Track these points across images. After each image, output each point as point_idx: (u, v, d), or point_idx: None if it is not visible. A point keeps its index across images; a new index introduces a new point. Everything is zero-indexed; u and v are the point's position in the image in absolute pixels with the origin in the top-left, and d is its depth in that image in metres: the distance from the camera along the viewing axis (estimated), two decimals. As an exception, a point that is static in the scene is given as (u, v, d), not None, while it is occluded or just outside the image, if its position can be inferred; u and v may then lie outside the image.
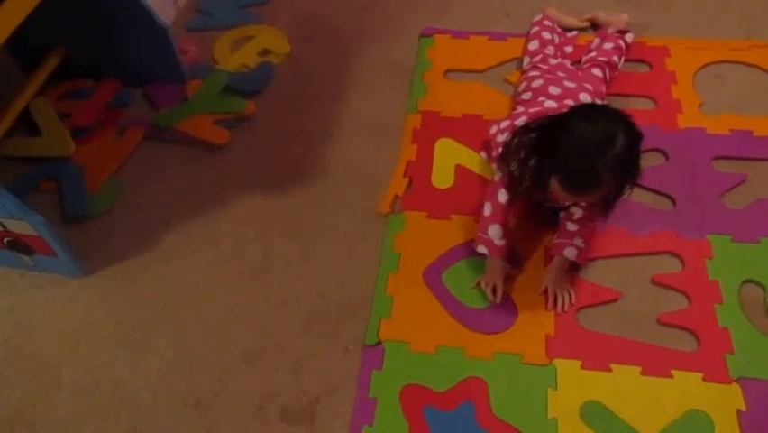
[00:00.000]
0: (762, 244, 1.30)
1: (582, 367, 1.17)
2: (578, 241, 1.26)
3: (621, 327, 1.23)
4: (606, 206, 1.21)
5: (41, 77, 1.64)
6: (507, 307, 1.26)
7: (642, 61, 1.70)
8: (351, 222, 1.44)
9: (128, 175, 1.59)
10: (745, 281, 1.26)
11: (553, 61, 1.59)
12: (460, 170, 1.50)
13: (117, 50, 1.69)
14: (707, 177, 1.43)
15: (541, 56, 1.62)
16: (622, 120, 1.10)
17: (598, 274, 1.30)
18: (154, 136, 1.65)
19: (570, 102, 1.41)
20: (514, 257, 1.33)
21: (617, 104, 1.58)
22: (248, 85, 1.74)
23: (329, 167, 1.56)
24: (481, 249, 1.27)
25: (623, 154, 1.07)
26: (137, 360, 1.27)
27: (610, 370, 1.16)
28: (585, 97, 1.45)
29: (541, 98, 1.46)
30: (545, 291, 1.26)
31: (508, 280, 1.29)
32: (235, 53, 1.85)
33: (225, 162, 1.60)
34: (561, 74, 1.53)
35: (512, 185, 1.26)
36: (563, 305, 1.24)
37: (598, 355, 1.18)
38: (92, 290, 1.38)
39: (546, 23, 1.72)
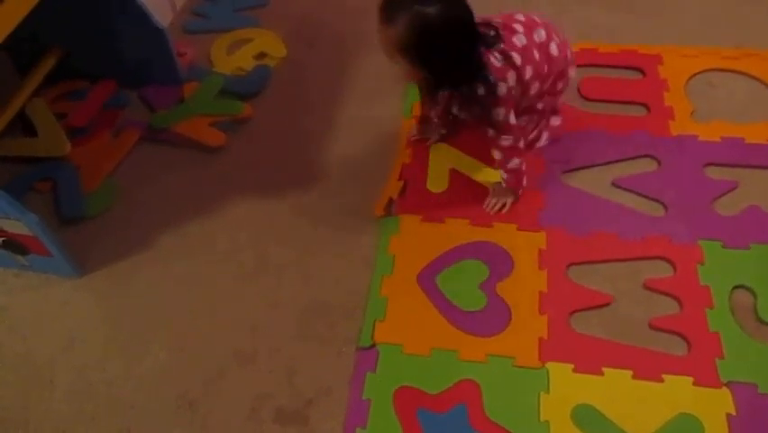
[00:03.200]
0: (752, 250, 1.32)
1: (575, 371, 1.18)
2: (501, 173, 1.41)
3: (613, 331, 1.24)
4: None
5: (37, 77, 1.64)
6: (501, 310, 1.27)
7: (635, 68, 1.72)
8: (346, 224, 1.45)
9: (124, 176, 1.59)
10: (736, 287, 1.27)
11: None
12: (454, 175, 1.51)
13: (114, 51, 1.70)
14: (698, 183, 1.44)
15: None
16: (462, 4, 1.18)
17: (591, 278, 1.31)
18: (150, 138, 1.66)
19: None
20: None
21: (610, 109, 1.62)
22: (244, 87, 1.75)
23: (324, 170, 1.57)
24: None
25: (430, 12, 1.13)
26: (131, 361, 1.27)
27: (602, 373, 1.17)
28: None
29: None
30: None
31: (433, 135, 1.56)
32: (232, 56, 1.86)
33: (221, 165, 1.60)
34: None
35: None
36: (492, 206, 1.41)
37: (590, 359, 1.19)
38: (87, 290, 1.38)
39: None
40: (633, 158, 1.51)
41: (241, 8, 2.03)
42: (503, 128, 1.33)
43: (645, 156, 1.51)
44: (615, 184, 1.46)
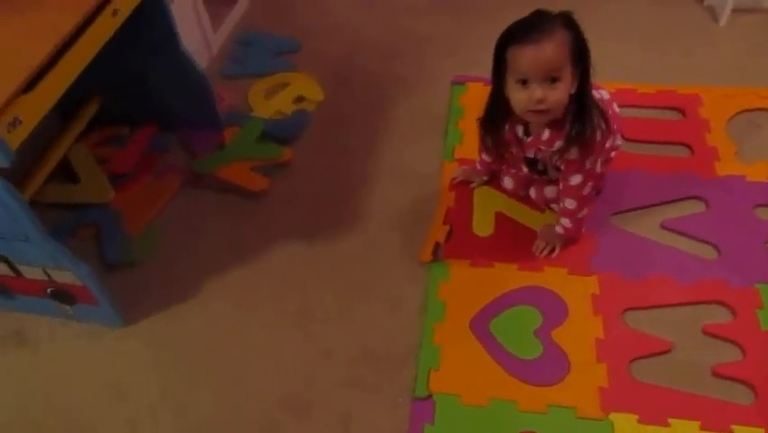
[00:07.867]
0: (812, 293, 1.29)
1: (639, 421, 1.14)
2: (564, 221, 1.38)
3: (675, 378, 1.20)
4: (580, 102, 1.21)
5: (80, 124, 1.65)
6: (558, 357, 1.24)
7: (674, 108, 1.72)
8: (392, 270, 1.43)
9: (166, 222, 1.58)
10: (799, 332, 1.24)
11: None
12: (500, 218, 1.50)
13: (156, 95, 1.70)
14: (750, 225, 1.42)
15: None
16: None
17: (649, 324, 1.29)
18: (192, 183, 1.66)
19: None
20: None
21: (652, 150, 1.61)
22: (284, 132, 1.75)
23: (368, 214, 1.56)
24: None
25: (563, 14, 1.16)
26: (180, 413, 1.24)
27: (668, 424, 1.13)
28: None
29: None
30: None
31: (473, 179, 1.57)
32: (270, 100, 1.87)
33: (263, 210, 1.60)
34: None
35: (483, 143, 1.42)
36: (542, 250, 1.40)
37: (654, 409, 1.16)
38: (132, 340, 1.36)
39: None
40: (680, 199, 1.50)
41: (276, 52, 2.05)
42: (591, 174, 1.30)
43: (693, 198, 1.50)
44: (664, 226, 1.45)
